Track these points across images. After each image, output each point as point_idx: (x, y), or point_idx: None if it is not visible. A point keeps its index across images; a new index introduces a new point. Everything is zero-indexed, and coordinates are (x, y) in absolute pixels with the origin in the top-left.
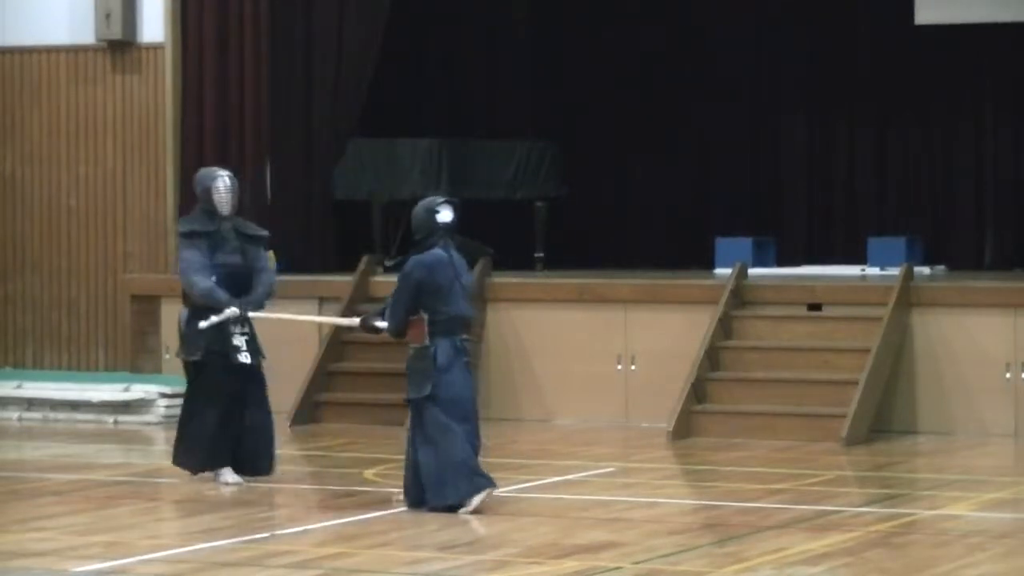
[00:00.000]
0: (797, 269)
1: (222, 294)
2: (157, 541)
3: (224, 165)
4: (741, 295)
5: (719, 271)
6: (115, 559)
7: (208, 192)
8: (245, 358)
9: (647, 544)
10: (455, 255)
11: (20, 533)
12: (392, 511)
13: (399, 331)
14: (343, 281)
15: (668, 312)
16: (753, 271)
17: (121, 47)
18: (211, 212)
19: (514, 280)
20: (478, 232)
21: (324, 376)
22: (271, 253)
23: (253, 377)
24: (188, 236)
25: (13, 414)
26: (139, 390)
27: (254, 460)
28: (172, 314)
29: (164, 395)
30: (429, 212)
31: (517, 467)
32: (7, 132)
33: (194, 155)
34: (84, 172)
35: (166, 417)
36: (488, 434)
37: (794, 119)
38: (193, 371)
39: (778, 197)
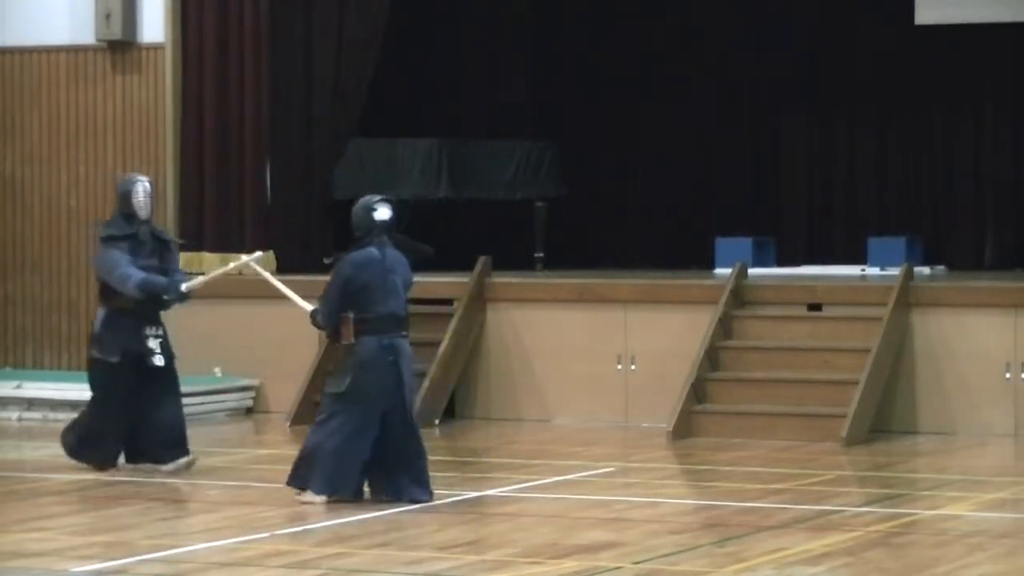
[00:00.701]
0: (797, 269)
1: (159, 278)
2: (157, 541)
3: (224, 165)
4: (741, 295)
5: (719, 271)
6: (115, 559)
7: (127, 196)
8: (159, 361)
9: (647, 544)
10: (390, 254)
11: (20, 533)
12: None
13: (330, 328)
14: None
15: (668, 312)
16: (753, 271)
17: (121, 47)
18: (130, 216)
19: (514, 280)
20: (478, 232)
21: (323, 376)
22: (259, 253)
23: (165, 376)
24: (109, 239)
25: (13, 414)
26: None
27: (170, 450)
28: (172, 315)
29: None
30: (366, 210)
31: (517, 467)
32: (7, 132)
33: (194, 156)
34: (84, 172)
35: None
36: (488, 434)
37: (794, 119)
38: (103, 371)
39: (778, 197)
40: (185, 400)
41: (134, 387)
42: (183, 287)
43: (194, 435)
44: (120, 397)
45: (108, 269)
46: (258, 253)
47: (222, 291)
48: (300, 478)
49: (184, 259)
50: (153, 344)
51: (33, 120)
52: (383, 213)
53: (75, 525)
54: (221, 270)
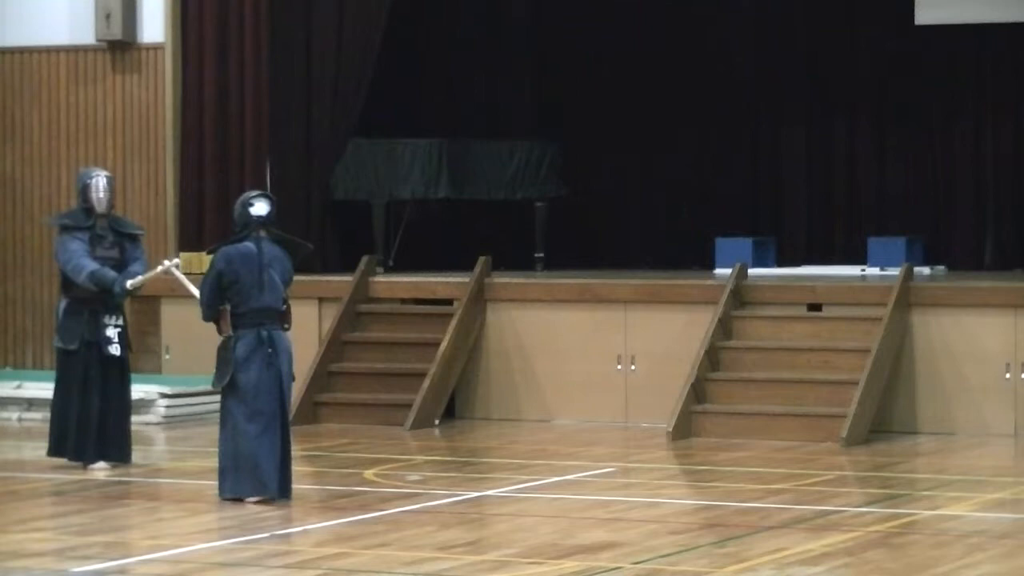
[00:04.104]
0: (797, 269)
1: (110, 272)
2: (157, 541)
3: (224, 165)
4: (741, 295)
5: (719, 271)
6: (115, 559)
7: (86, 189)
8: (115, 350)
9: (647, 544)
10: (267, 248)
11: (20, 533)
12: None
13: (208, 319)
14: (343, 281)
15: (668, 312)
16: (753, 271)
17: (121, 47)
18: (88, 209)
19: (514, 280)
20: (478, 232)
21: (324, 376)
22: (177, 260)
23: (118, 367)
24: (66, 229)
25: (13, 414)
26: (139, 390)
27: (115, 447)
28: (172, 315)
29: (164, 395)
30: (244, 205)
31: (517, 467)
32: (7, 132)
33: (194, 155)
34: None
35: (166, 417)
36: (488, 434)
37: (794, 119)
38: (64, 359)
39: (778, 197)
40: (185, 400)
41: (94, 376)
42: (128, 284)
43: (194, 435)
44: (79, 385)
45: (64, 260)
46: (176, 260)
47: None
48: (225, 489)
49: (184, 259)
50: (111, 333)
51: (33, 120)
52: (260, 208)
53: (75, 525)
54: (152, 272)
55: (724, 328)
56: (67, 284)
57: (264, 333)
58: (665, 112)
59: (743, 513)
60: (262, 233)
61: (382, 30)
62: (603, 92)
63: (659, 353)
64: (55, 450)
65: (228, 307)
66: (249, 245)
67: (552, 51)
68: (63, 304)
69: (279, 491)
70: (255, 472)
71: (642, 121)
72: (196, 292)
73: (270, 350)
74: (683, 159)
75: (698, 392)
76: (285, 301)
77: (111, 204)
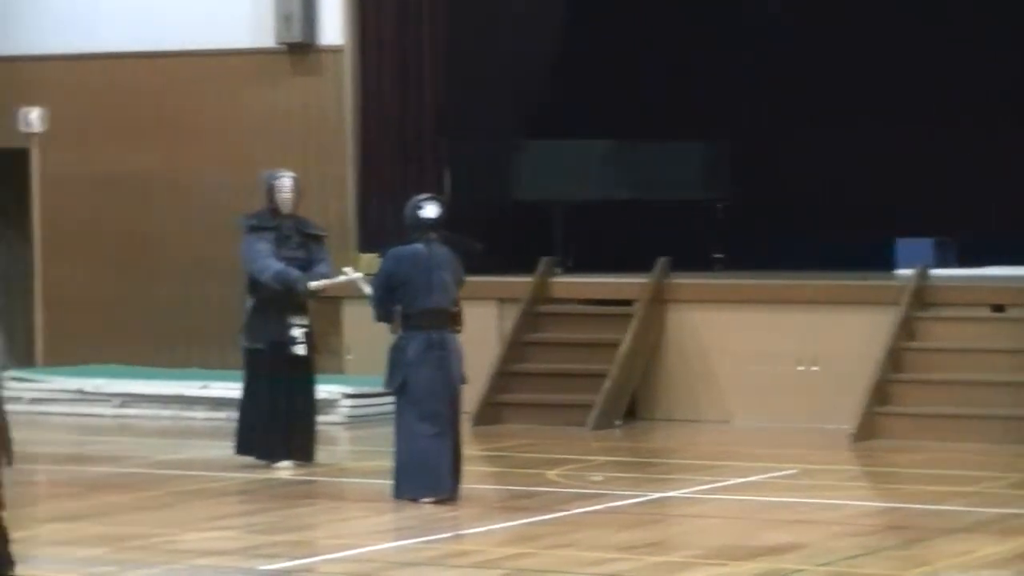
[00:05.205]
0: (980, 270)
1: (294, 271)
2: (341, 540)
3: (403, 167)
4: (923, 296)
5: (900, 272)
6: (300, 558)
7: (272, 190)
8: (301, 350)
9: (830, 546)
10: (437, 250)
11: (207, 531)
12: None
13: (380, 319)
14: (523, 282)
15: (849, 313)
16: (935, 272)
17: (301, 49)
18: (273, 210)
19: (693, 281)
20: (657, 233)
21: (506, 377)
22: (371, 259)
23: (304, 367)
24: (253, 230)
25: (199, 414)
26: (322, 390)
27: (301, 446)
28: (353, 315)
29: (347, 395)
30: (413, 208)
31: (699, 468)
32: (191, 135)
33: (373, 157)
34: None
35: (349, 417)
36: (670, 435)
37: (974, 119)
38: (251, 359)
39: (960, 197)
40: (367, 400)
41: (280, 376)
42: (311, 285)
43: (376, 435)
44: (267, 385)
45: (249, 259)
46: (359, 274)
47: None
48: (400, 490)
49: (364, 260)
50: (297, 333)
51: (215, 122)
52: (429, 211)
53: (261, 524)
54: (336, 280)
55: (906, 329)
56: (254, 284)
57: (435, 335)
58: (848, 113)
59: (927, 515)
60: (432, 235)
61: (561, 30)
62: (784, 94)
63: (841, 354)
64: (242, 448)
65: (399, 308)
66: (419, 247)
67: (734, 52)
68: (250, 304)
69: (452, 492)
70: (428, 473)
71: (824, 122)
72: (369, 292)
73: (441, 352)
74: (863, 160)
75: (881, 394)
76: (456, 303)
77: (296, 205)
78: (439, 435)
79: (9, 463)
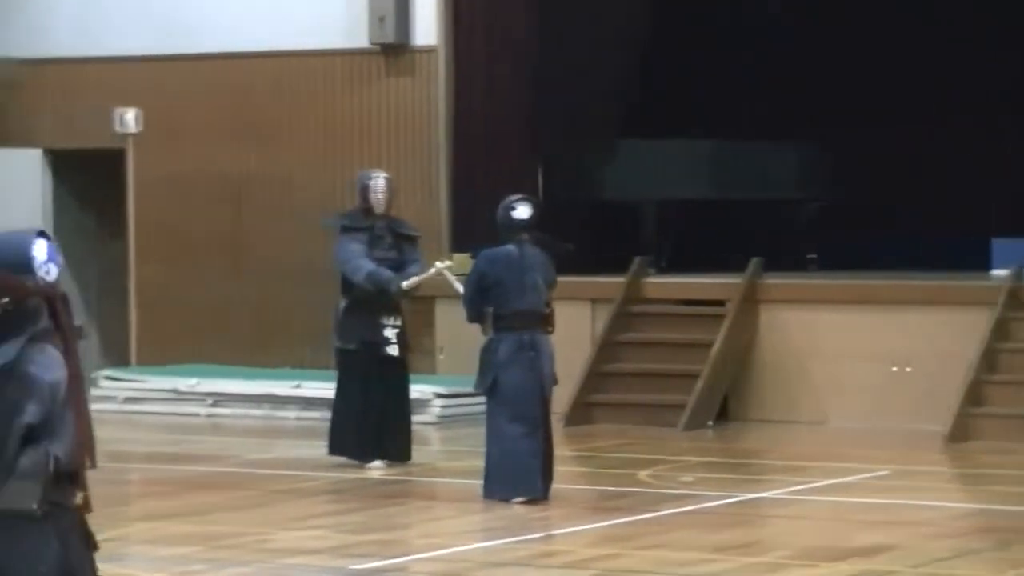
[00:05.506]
0: None
1: (386, 272)
2: (432, 540)
3: (496, 166)
4: (1018, 296)
5: (995, 272)
6: (391, 558)
7: (366, 190)
8: (393, 350)
9: (923, 548)
10: (529, 251)
11: (298, 531)
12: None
13: (472, 320)
14: (615, 282)
15: (943, 314)
16: None
17: (395, 50)
18: (367, 210)
19: (787, 281)
20: (751, 233)
21: (598, 377)
22: (462, 258)
23: (398, 367)
24: (346, 230)
25: (291, 413)
26: (415, 390)
27: (395, 446)
28: (446, 315)
29: (439, 395)
30: (506, 209)
31: (792, 469)
32: (284, 135)
33: (466, 157)
34: (358, 175)
35: (441, 417)
36: (762, 436)
37: None
38: (343, 359)
39: None
40: (459, 400)
41: (373, 376)
42: (403, 284)
43: (468, 435)
44: (359, 386)
45: (343, 259)
46: (448, 262)
47: None
48: (491, 491)
49: (457, 260)
50: (389, 333)
51: (309, 123)
52: (521, 212)
53: (352, 523)
54: (427, 274)
55: (1001, 330)
56: (347, 285)
57: (526, 336)
58: (941, 113)
59: (1020, 517)
60: (524, 236)
61: (652, 28)
62: (878, 93)
63: (935, 355)
64: (335, 448)
65: (490, 309)
66: (511, 248)
67: (826, 52)
68: (343, 304)
69: (543, 492)
70: (519, 474)
71: (916, 123)
72: (462, 292)
73: (532, 353)
74: (958, 159)
75: (975, 395)
76: (548, 304)
77: (390, 205)
78: (529, 436)
79: (93, 465)
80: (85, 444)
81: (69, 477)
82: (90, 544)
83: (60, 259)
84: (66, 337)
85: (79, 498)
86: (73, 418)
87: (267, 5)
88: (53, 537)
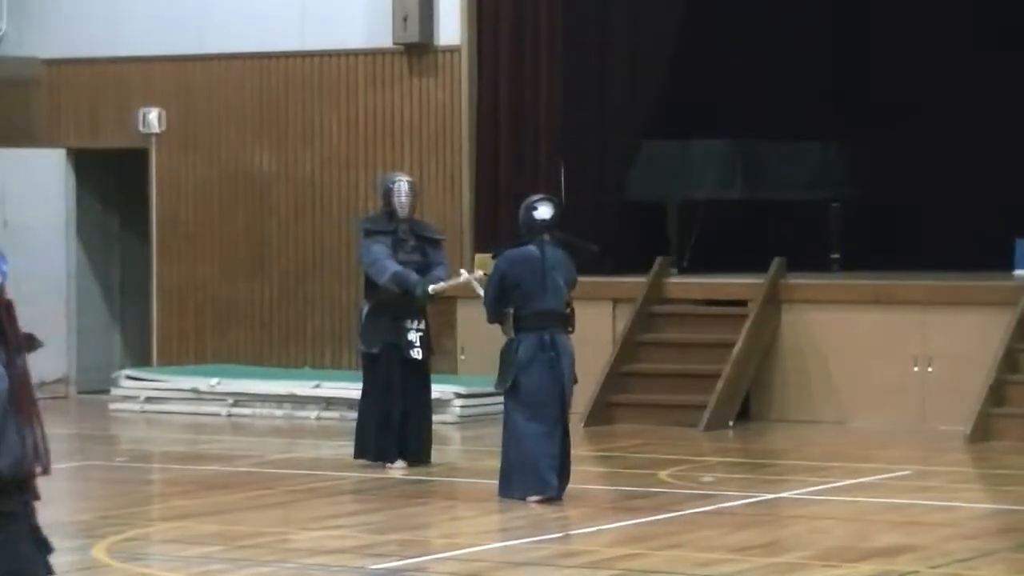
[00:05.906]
0: None
1: (412, 274)
2: (452, 540)
3: (519, 167)
4: None
5: (1018, 272)
6: (411, 557)
7: (389, 194)
8: (417, 354)
9: (943, 548)
10: (550, 252)
11: (318, 531)
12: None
13: (492, 320)
14: (637, 282)
15: (965, 314)
16: None
17: (418, 50)
18: (391, 213)
19: (809, 281)
20: (773, 234)
21: (619, 377)
22: (484, 259)
23: (420, 370)
24: (370, 234)
25: (312, 413)
26: (435, 391)
27: (415, 447)
28: (467, 315)
29: (459, 395)
30: (527, 209)
31: (812, 469)
32: (307, 135)
33: (489, 157)
34: (381, 174)
35: (461, 417)
36: (783, 436)
37: None
38: (368, 363)
39: None
40: (480, 400)
41: (395, 379)
42: (430, 288)
43: (488, 435)
44: (382, 389)
45: (368, 261)
46: (479, 273)
47: None
48: (507, 489)
49: (479, 261)
50: (413, 337)
51: (332, 123)
52: (543, 212)
53: (372, 523)
54: (454, 281)
55: (1023, 330)
56: (370, 288)
57: (547, 337)
58: (964, 112)
59: None
60: (546, 237)
61: (676, 29)
62: (897, 93)
63: (956, 355)
64: (359, 452)
65: (511, 310)
66: (532, 248)
67: (850, 52)
68: (366, 308)
69: (558, 492)
70: (535, 473)
71: (938, 122)
72: (483, 293)
73: (552, 353)
74: (981, 159)
75: (996, 395)
76: (568, 304)
77: (413, 208)
78: (547, 435)
79: (45, 472)
80: (37, 452)
81: (16, 485)
82: (44, 549)
83: (7, 268)
84: (9, 347)
85: (28, 506)
86: (18, 428)
87: (290, 6)
88: None
